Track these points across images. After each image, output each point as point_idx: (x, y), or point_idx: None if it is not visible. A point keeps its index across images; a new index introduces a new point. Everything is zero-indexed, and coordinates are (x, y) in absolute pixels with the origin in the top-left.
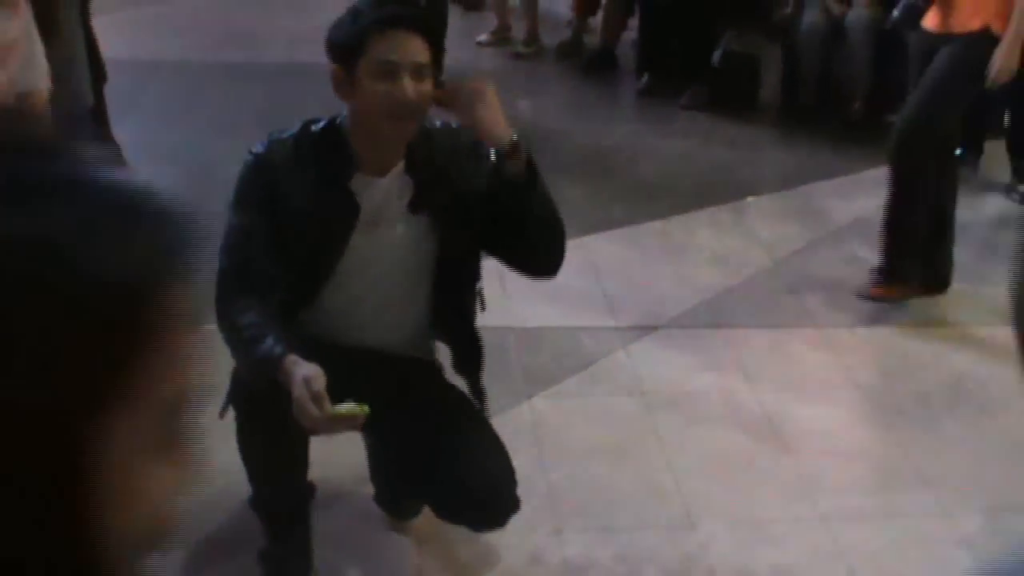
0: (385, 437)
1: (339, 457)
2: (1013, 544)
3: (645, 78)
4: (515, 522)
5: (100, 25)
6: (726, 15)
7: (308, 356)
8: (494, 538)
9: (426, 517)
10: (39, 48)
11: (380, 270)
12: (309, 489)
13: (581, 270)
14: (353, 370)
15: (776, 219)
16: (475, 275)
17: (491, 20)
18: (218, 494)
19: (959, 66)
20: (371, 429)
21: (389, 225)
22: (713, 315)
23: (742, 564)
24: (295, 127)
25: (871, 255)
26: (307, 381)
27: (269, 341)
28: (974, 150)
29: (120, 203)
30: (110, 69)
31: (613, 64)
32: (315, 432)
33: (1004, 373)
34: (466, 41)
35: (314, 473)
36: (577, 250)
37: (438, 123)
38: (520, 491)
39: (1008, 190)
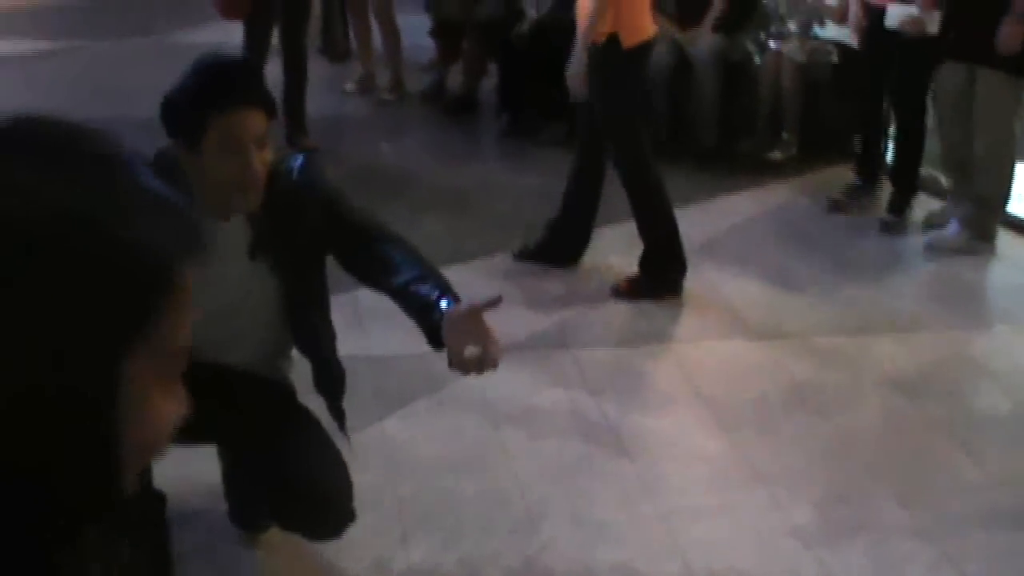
0: (232, 451)
1: (196, 476)
2: (840, 532)
3: (505, 118)
4: (361, 531)
5: None
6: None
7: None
8: (341, 548)
9: (276, 531)
10: None
11: (222, 303)
12: (159, 497)
13: None
14: (206, 386)
15: (626, 246)
16: (323, 307)
17: (357, 69)
18: None
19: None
20: (219, 444)
21: (228, 267)
22: (561, 336)
23: (582, 562)
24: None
25: (719, 277)
26: None
27: None
28: (871, 180)
29: (150, 186)
30: None
31: (475, 107)
32: None
33: (838, 379)
34: (333, 90)
35: (172, 491)
36: None
37: (283, 166)
38: (368, 503)
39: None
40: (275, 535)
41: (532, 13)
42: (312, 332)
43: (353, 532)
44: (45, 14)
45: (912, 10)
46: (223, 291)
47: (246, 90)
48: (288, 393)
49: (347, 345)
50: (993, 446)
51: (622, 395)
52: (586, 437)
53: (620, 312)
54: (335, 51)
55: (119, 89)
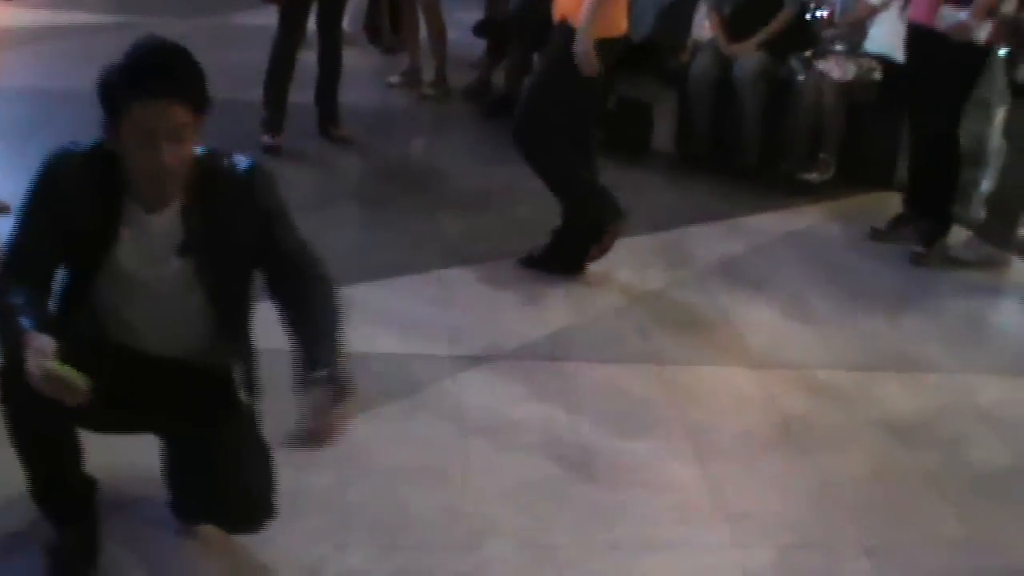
0: (166, 441)
1: (136, 462)
2: None
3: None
4: (300, 534)
5: (18, 58)
6: (621, 62)
7: (92, 350)
8: (275, 548)
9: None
10: None
11: (149, 294)
12: (88, 482)
13: (432, 301)
14: (135, 371)
15: (641, 260)
16: (246, 300)
17: (405, 62)
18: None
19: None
20: (154, 433)
21: (157, 261)
22: (552, 349)
23: None
24: (90, 143)
25: (730, 299)
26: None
27: (23, 319)
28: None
29: None
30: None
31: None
32: (39, 388)
33: (832, 417)
34: (378, 81)
35: (109, 477)
36: (433, 282)
37: (225, 164)
38: (314, 506)
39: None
40: (213, 529)
41: None
42: (235, 325)
43: (291, 534)
44: None
45: (963, 15)
46: (154, 282)
47: (162, 81)
48: (221, 384)
49: None
50: (983, 502)
51: (601, 415)
52: (553, 456)
53: (617, 327)
54: (384, 43)
55: None
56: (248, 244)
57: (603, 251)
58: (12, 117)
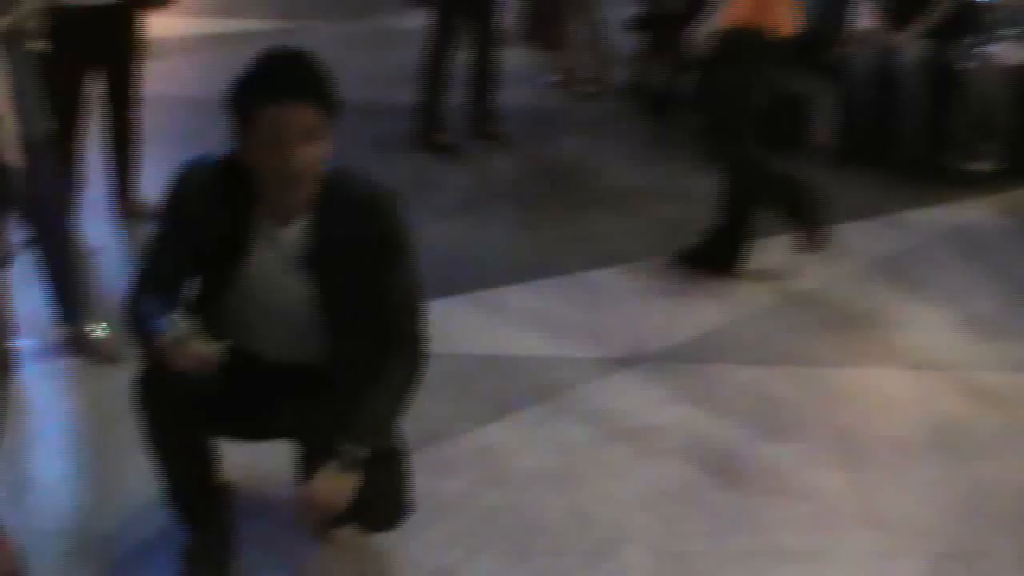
0: (295, 443)
1: (277, 466)
2: None
3: (698, 119)
4: (434, 539)
5: (179, 66)
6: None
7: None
8: (409, 553)
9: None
10: None
11: (274, 304)
12: (224, 486)
13: (577, 303)
14: (257, 380)
15: (794, 258)
16: (361, 317)
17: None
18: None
19: None
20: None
21: (280, 272)
22: (697, 351)
23: None
24: (219, 154)
25: (888, 297)
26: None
27: (158, 323)
28: None
29: None
30: (184, 106)
31: (675, 105)
32: (172, 362)
33: (991, 421)
34: (536, 80)
35: (248, 481)
36: (579, 283)
37: (353, 179)
38: (448, 511)
39: None
40: (350, 532)
41: None
42: (355, 341)
43: (423, 539)
44: None
45: None
46: (278, 294)
47: (289, 84)
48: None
49: (472, 344)
50: None
51: (744, 418)
52: (695, 461)
53: (766, 328)
54: (545, 41)
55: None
56: (366, 266)
57: (814, 247)
58: (172, 125)
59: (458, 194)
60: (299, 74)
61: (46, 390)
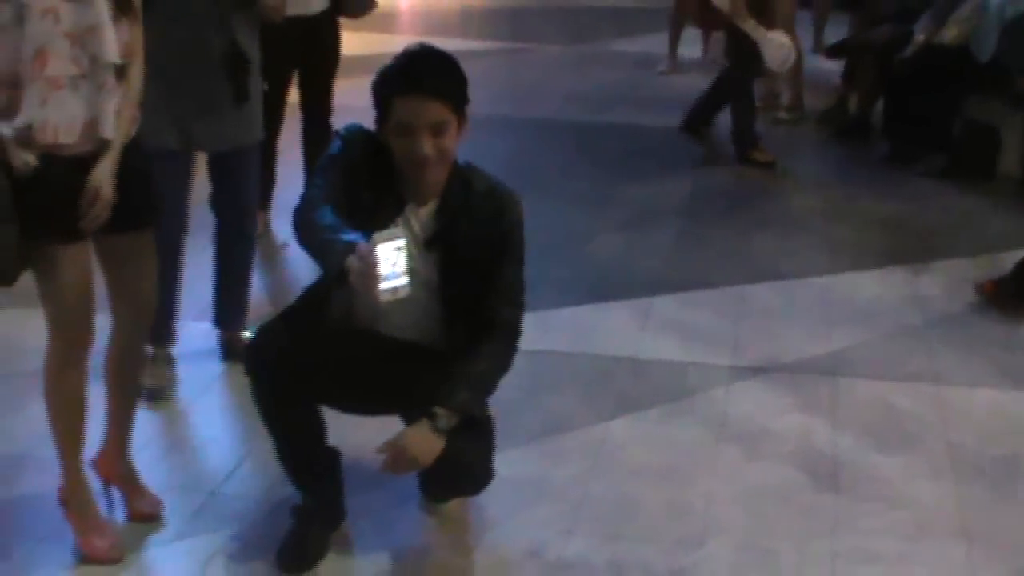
0: (404, 419)
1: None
2: None
3: (886, 145)
4: (534, 519)
5: None
6: (968, 84)
7: (338, 333)
8: (506, 530)
9: (457, 503)
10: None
11: None
12: (331, 453)
13: (725, 315)
14: (374, 355)
15: (953, 283)
16: (481, 304)
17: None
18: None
19: None
20: (397, 411)
21: (412, 249)
22: (832, 364)
23: None
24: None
25: None
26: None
27: (349, 234)
28: None
29: None
30: None
31: (868, 131)
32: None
33: None
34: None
35: (360, 456)
36: (728, 297)
37: (482, 177)
38: (552, 494)
39: None
40: (454, 506)
41: (919, 37)
42: (467, 323)
43: (524, 518)
44: (500, 15)
45: None
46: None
47: (425, 79)
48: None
49: (615, 346)
50: None
51: (862, 429)
52: (803, 465)
53: (904, 346)
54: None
55: (535, 90)
56: (483, 256)
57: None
58: None
59: (631, 209)
60: (433, 70)
61: (196, 387)
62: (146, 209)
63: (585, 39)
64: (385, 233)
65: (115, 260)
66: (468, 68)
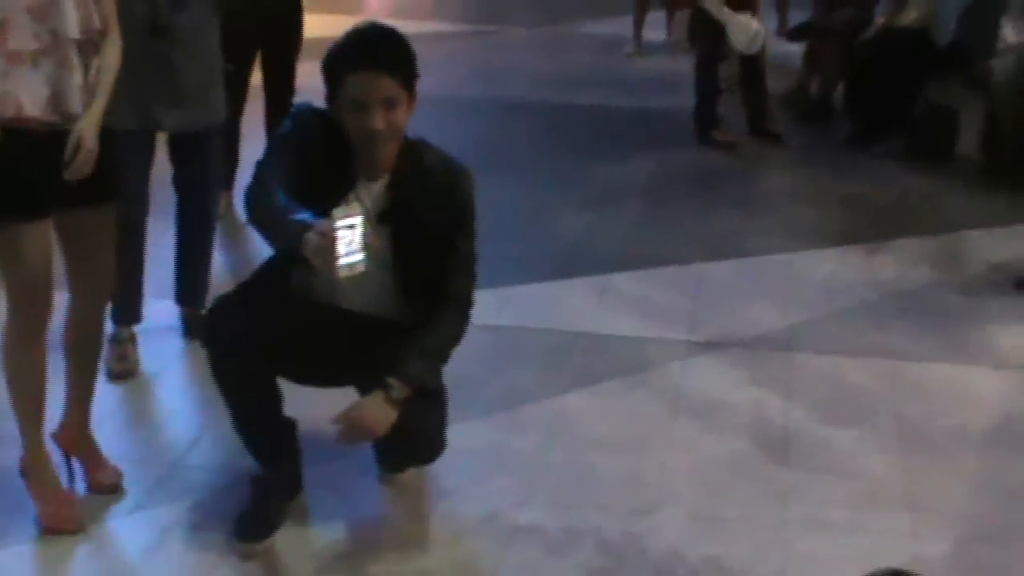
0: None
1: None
2: (968, 572)
3: (846, 127)
4: (491, 489)
5: None
6: (927, 66)
7: (296, 308)
8: (463, 499)
9: (413, 473)
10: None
11: None
12: (287, 424)
13: (684, 292)
14: (331, 327)
15: (910, 261)
16: (430, 276)
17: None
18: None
19: None
20: (353, 383)
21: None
22: (787, 339)
23: (677, 549)
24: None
25: (993, 300)
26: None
27: (301, 213)
28: None
29: None
30: None
31: (829, 114)
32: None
33: None
34: None
35: (316, 427)
36: (688, 274)
37: (434, 151)
38: (509, 466)
39: None
40: (411, 477)
41: (880, 20)
42: (422, 296)
43: (481, 488)
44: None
45: None
46: None
47: (376, 55)
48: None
49: (574, 321)
50: None
51: (815, 402)
52: (756, 437)
53: (860, 322)
54: None
55: (503, 72)
56: (435, 229)
57: None
58: None
59: (595, 189)
60: (383, 46)
61: (156, 362)
62: (105, 184)
63: (554, 21)
64: (343, 210)
65: (75, 235)
66: (437, 50)
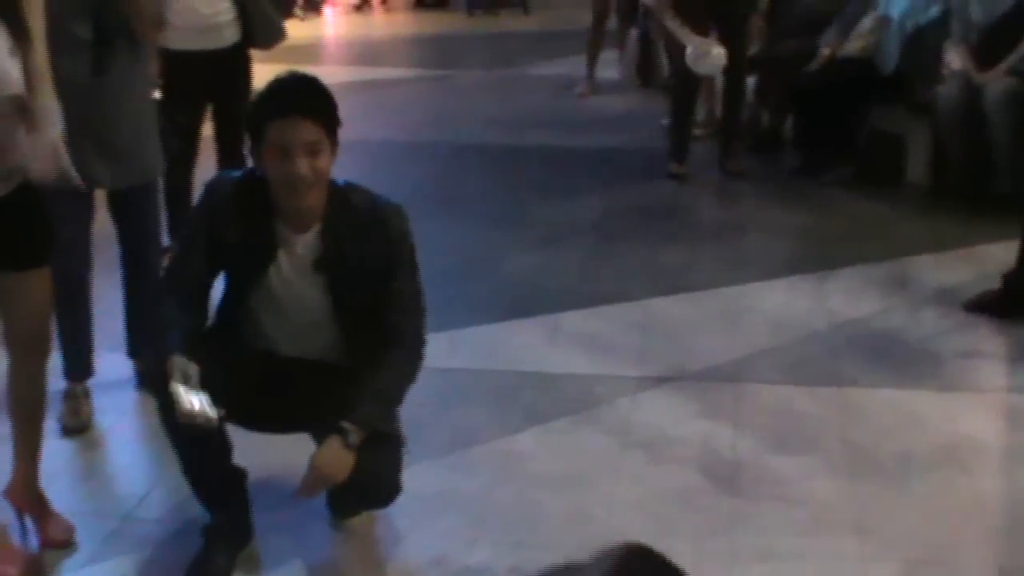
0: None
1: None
2: None
3: (796, 157)
4: (437, 531)
5: None
6: (872, 94)
7: (239, 359)
8: (412, 543)
9: (365, 518)
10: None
11: (291, 306)
12: (237, 472)
13: (632, 327)
14: (278, 375)
15: (858, 288)
16: (370, 318)
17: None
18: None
19: None
20: (304, 430)
21: (297, 276)
22: (738, 371)
23: None
24: (242, 171)
25: (938, 325)
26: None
27: (173, 336)
28: None
29: None
30: None
31: (780, 145)
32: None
33: (1008, 439)
34: (650, 122)
35: (267, 475)
36: (637, 309)
37: (363, 194)
38: (457, 506)
39: None
40: (362, 521)
41: (825, 51)
42: (366, 342)
43: (428, 530)
44: (425, 43)
45: None
46: (289, 295)
47: (297, 101)
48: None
49: (524, 361)
50: None
51: (764, 433)
52: (703, 469)
53: (809, 351)
54: (658, 83)
55: (456, 114)
56: (373, 271)
57: None
58: None
59: (546, 228)
60: (303, 93)
61: (110, 415)
62: (33, 250)
63: (507, 64)
64: (182, 389)
65: (4, 296)
66: (393, 95)
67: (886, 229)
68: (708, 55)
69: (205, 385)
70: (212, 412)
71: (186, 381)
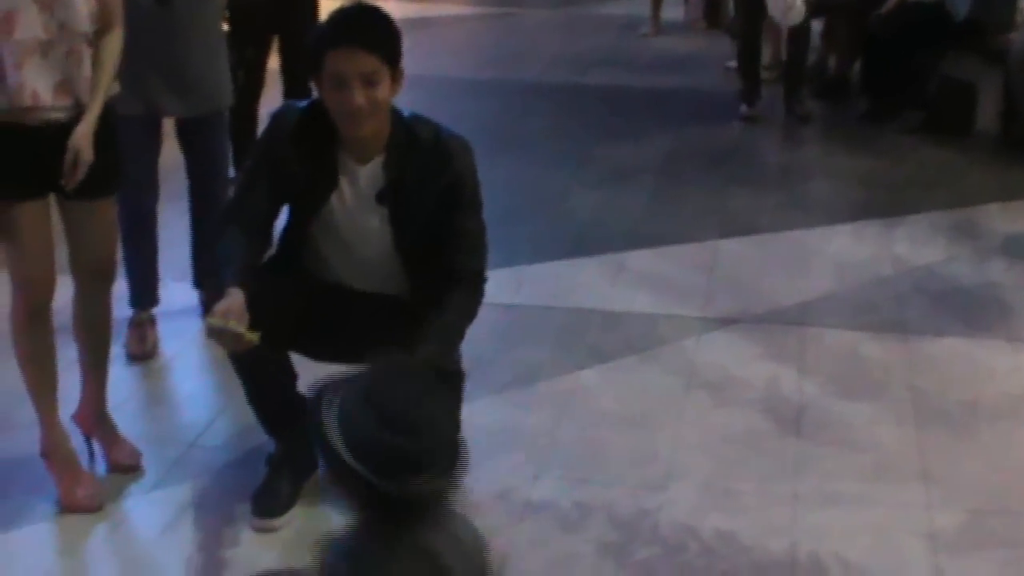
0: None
1: None
2: (982, 543)
3: (864, 102)
4: (504, 465)
5: None
6: (944, 41)
7: (305, 286)
8: (476, 477)
9: None
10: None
11: (352, 237)
12: (303, 401)
13: (699, 268)
14: (339, 305)
15: (925, 236)
16: (439, 254)
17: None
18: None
19: None
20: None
21: (359, 207)
22: (801, 314)
23: (688, 524)
24: (307, 101)
25: (1007, 275)
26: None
27: (230, 268)
28: None
29: None
30: None
31: (847, 89)
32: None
33: None
34: (716, 64)
35: None
36: (703, 251)
37: (428, 126)
38: (523, 442)
39: None
40: None
41: None
42: (426, 273)
43: (494, 465)
44: None
45: None
46: (351, 226)
47: (354, 31)
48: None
49: (588, 299)
50: None
51: (829, 376)
52: (768, 411)
53: (874, 297)
54: (725, 26)
55: (520, 53)
56: (435, 204)
57: None
58: None
59: (609, 168)
60: (361, 23)
61: (175, 344)
62: (102, 180)
63: (571, 2)
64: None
65: (72, 225)
66: (456, 33)
67: (954, 177)
68: (793, 7)
69: (254, 309)
70: (244, 331)
71: (223, 312)
